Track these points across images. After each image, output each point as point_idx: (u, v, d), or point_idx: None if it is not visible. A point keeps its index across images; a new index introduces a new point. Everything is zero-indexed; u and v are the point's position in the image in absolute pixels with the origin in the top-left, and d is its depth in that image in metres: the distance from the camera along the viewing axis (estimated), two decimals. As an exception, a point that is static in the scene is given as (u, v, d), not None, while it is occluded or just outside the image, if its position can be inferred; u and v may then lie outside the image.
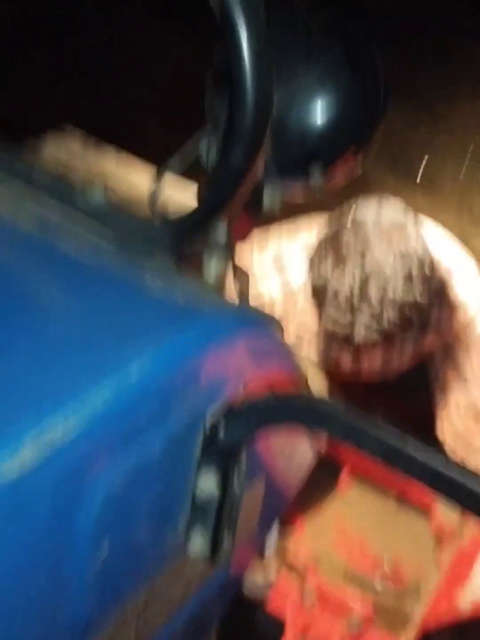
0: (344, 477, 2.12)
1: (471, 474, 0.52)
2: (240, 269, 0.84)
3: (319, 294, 1.43)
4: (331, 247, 1.40)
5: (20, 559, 0.57)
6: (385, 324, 1.37)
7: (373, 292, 1.35)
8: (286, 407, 0.63)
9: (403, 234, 1.39)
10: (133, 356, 0.63)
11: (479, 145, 4.49)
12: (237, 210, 0.77)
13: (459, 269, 1.65)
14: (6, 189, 0.80)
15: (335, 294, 1.37)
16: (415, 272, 1.37)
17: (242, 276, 0.84)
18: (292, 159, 0.84)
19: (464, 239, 4.02)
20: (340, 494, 2.12)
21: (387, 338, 1.43)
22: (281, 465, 0.96)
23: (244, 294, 0.83)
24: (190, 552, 0.76)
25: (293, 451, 0.97)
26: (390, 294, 1.35)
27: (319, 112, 0.81)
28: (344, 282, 1.36)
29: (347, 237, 1.38)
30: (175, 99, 4.33)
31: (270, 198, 0.85)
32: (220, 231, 0.80)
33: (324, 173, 0.86)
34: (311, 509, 2.05)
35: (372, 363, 1.63)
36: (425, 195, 4.05)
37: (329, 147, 0.84)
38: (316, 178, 0.86)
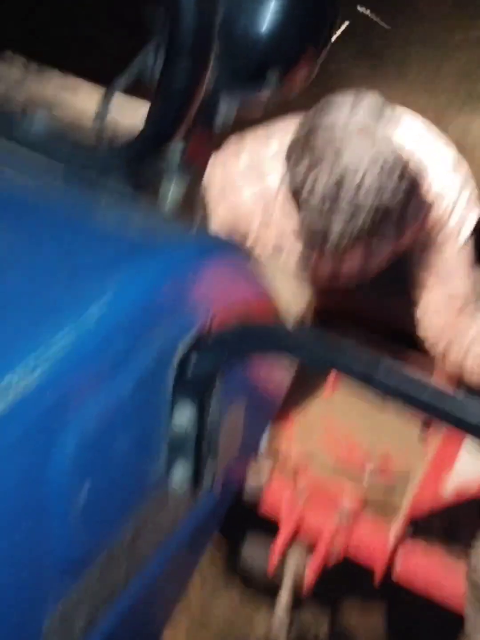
0: (331, 377, 2.14)
1: (442, 394, 0.51)
2: (199, 192, 0.81)
3: (295, 197, 1.41)
4: (305, 150, 1.37)
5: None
6: (359, 226, 1.36)
7: (345, 195, 1.33)
8: (255, 337, 0.61)
9: (374, 136, 1.36)
10: (92, 297, 0.60)
11: (447, 28, 4.34)
12: (190, 128, 0.72)
13: (435, 162, 1.62)
14: None
15: (309, 197, 1.36)
16: (386, 174, 1.35)
17: (199, 200, 0.81)
18: (245, 67, 0.79)
19: (437, 122, 3.93)
20: (327, 393, 2.15)
21: (362, 240, 1.41)
22: (262, 382, 0.95)
23: (203, 216, 0.79)
24: (173, 485, 0.76)
25: (270, 370, 0.96)
26: (361, 197, 1.33)
27: (270, 14, 0.75)
28: (318, 184, 1.35)
29: (320, 139, 1.36)
30: (128, 6, 4.12)
31: (224, 113, 0.81)
32: (174, 153, 0.75)
33: (281, 79, 0.81)
34: (300, 411, 2.08)
35: (349, 265, 1.61)
36: (396, 80, 3.94)
37: (283, 51, 0.79)
38: (273, 85, 0.81)
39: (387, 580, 1.81)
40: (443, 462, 1.85)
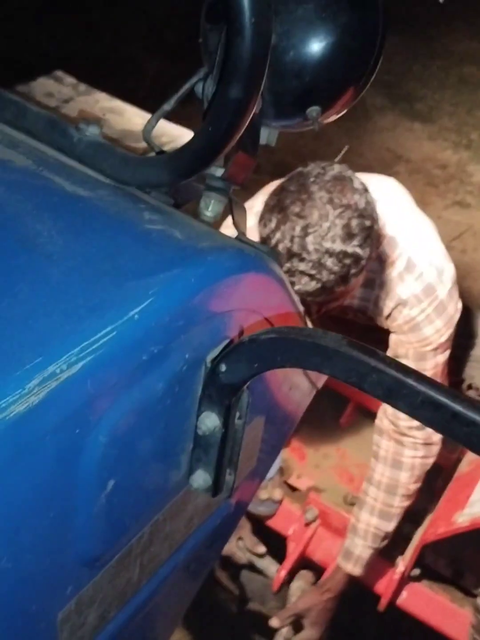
0: (350, 409, 2.16)
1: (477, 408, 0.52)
2: (239, 205, 0.84)
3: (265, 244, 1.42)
4: (274, 211, 1.41)
5: (28, 495, 0.59)
6: (323, 272, 1.37)
7: (311, 241, 1.36)
8: (289, 348, 0.63)
9: (345, 187, 1.40)
10: (135, 296, 0.63)
11: (475, 74, 4.39)
12: (234, 147, 0.75)
13: (406, 234, 1.64)
14: (1, 133, 0.79)
15: (277, 243, 1.38)
16: (354, 224, 1.37)
17: (240, 213, 0.84)
18: (288, 100, 0.82)
19: (462, 165, 3.97)
20: (344, 425, 2.16)
21: (328, 292, 1.42)
22: (282, 400, 0.97)
23: (241, 231, 0.82)
24: (193, 489, 0.78)
25: (293, 385, 0.98)
26: (327, 244, 1.36)
27: (318, 49, 0.79)
28: (285, 230, 1.37)
29: (288, 201, 1.39)
30: (169, 30, 4.23)
31: (267, 135, 0.84)
32: (216, 171, 0.79)
33: (321, 114, 0.84)
34: (316, 439, 2.10)
35: (324, 308, 1.59)
36: (424, 127, 4.00)
37: (327, 85, 0.82)
38: (312, 120, 0.84)
39: (392, 607, 1.81)
40: (456, 499, 1.85)
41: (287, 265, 1.38)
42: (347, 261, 1.38)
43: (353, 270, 1.40)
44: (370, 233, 1.41)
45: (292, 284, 1.39)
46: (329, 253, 1.36)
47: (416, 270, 1.62)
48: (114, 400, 0.63)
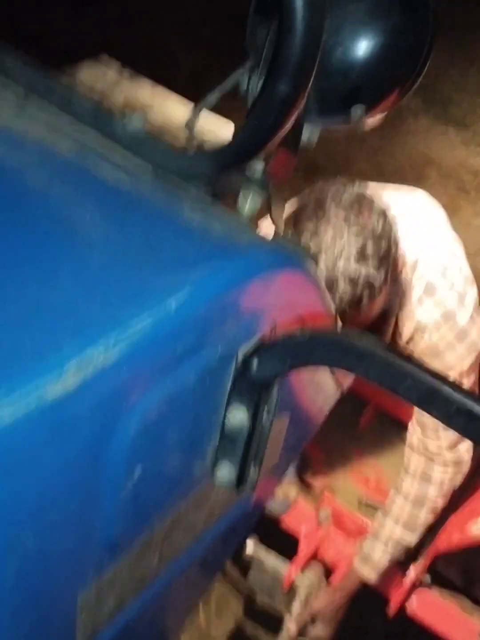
0: (369, 412, 2.15)
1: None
2: (278, 200, 0.84)
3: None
4: (289, 225, 1.36)
5: (59, 477, 0.59)
6: (335, 294, 1.31)
7: (323, 260, 1.30)
8: (322, 346, 0.63)
9: (362, 207, 1.34)
10: (173, 288, 0.63)
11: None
12: (276, 144, 0.75)
13: (430, 254, 1.57)
14: (47, 115, 0.79)
15: None
16: (370, 245, 1.32)
17: (278, 211, 0.84)
18: (334, 99, 0.82)
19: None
20: (363, 427, 2.16)
21: (338, 309, 1.33)
22: (307, 400, 0.97)
23: (279, 228, 0.82)
24: (217, 481, 0.78)
25: (319, 385, 0.98)
26: (341, 264, 1.30)
27: (367, 48, 0.78)
28: None
29: (305, 217, 1.35)
30: (204, 21, 4.23)
31: (308, 133, 0.84)
32: (258, 165, 0.78)
33: (365, 115, 0.84)
34: (333, 439, 2.10)
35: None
36: (458, 132, 3.97)
37: (373, 85, 0.82)
38: (356, 120, 0.84)
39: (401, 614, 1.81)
40: (473, 508, 1.85)
41: None
42: (360, 285, 1.32)
43: (366, 293, 1.34)
44: (386, 257, 1.35)
45: None
46: (342, 274, 1.31)
47: (436, 295, 1.57)
48: (147, 389, 0.64)
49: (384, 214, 1.37)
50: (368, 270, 1.32)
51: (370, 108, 0.83)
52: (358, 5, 0.78)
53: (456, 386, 0.56)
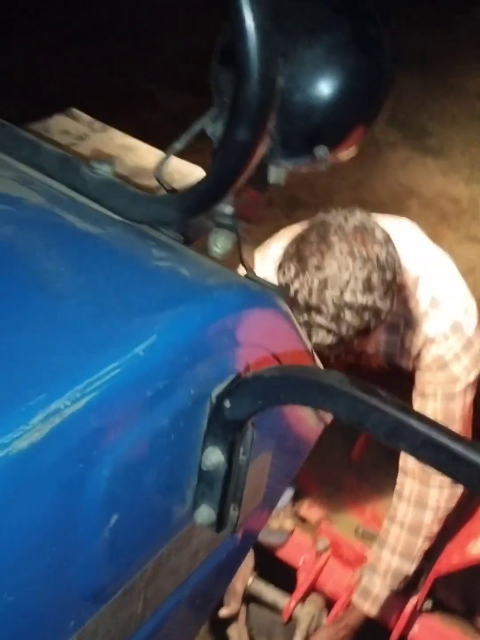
0: (361, 441, 2.15)
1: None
2: (247, 242, 0.85)
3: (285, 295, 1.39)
4: (293, 259, 1.38)
5: (31, 530, 0.59)
6: (342, 326, 1.34)
7: (329, 294, 1.32)
8: (293, 386, 0.63)
9: (366, 238, 1.36)
10: (141, 331, 0.64)
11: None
12: (243, 185, 0.76)
13: (430, 280, 1.61)
14: (13, 170, 0.81)
15: (295, 293, 1.35)
16: (375, 277, 1.34)
17: (248, 249, 0.85)
18: (296, 140, 0.83)
19: (474, 200, 3.98)
20: (356, 457, 2.15)
21: (345, 345, 1.38)
22: (289, 434, 0.97)
23: (249, 268, 0.83)
24: (197, 522, 0.78)
25: (300, 420, 0.98)
26: (347, 297, 1.32)
27: (325, 90, 0.80)
28: (303, 281, 1.34)
29: (308, 251, 1.36)
30: (185, 64, 4.31)
31: (275, 175, 0.85)
32: (225, 209, 0.80)
33: (329, 154, 0.85)
34: (327, 471, 2.09)
35: (342, 356, 1.53)
36: (436, 162, 4.02)
37: (334, 126, 0.83)
38: (320, 159, 0.85)
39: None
40: (470, 532, 1.84)
41: (305, 317, 1.34)
42: (367, 315, 1.34)
43: (373, 323, 1.36)
44: (392, 285, 1.37)
45: (309, 337, 1.35)
46: (348, 306, 1.32)
47: (441, 307, 1.59)
48: (118, 436, 0.64)
49: (387, 242, 1.39)
50: (374, 300, 1.34)
51: (333, 148, 0.84)
52: (314, 51, 0.80)
53: (422, 417, 0.56)
